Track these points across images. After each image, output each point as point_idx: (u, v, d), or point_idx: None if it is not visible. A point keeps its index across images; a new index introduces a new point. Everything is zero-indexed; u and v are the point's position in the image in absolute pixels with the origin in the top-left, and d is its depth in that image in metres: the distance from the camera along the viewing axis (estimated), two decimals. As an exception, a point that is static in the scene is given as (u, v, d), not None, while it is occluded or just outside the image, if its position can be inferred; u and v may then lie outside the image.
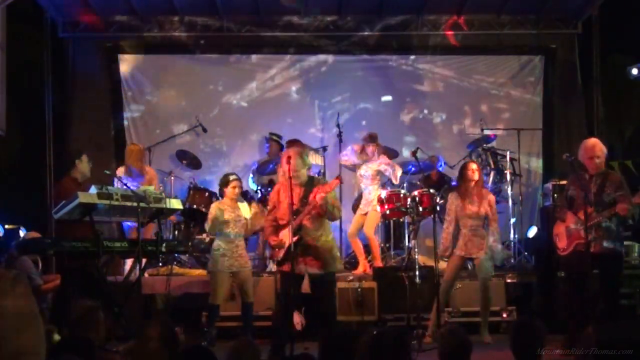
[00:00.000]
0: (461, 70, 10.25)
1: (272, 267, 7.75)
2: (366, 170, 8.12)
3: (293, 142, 8.21)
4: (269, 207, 6.18)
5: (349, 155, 8.46)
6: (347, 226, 8.51)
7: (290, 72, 10.32)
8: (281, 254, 5.87)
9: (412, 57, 10.37)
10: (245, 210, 6.97)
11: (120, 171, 7.97)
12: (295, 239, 5.65)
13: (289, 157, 5.73)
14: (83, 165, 6.75)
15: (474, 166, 6.90)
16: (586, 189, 5.83)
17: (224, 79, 10.17)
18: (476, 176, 6.81)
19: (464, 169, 6.92)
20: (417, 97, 10.32)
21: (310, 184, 5.87)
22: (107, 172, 7.60)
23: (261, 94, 10.19)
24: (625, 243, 8.69)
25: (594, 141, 6.16)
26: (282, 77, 10.27)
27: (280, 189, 6.01)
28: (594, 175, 5.95)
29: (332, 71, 10.29)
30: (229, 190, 6.82)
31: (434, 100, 10.31)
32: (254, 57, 10.33)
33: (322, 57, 10.29)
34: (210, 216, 6.80)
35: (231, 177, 6.89)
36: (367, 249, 8.38)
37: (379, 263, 8.03)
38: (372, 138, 8.21)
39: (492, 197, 7.02)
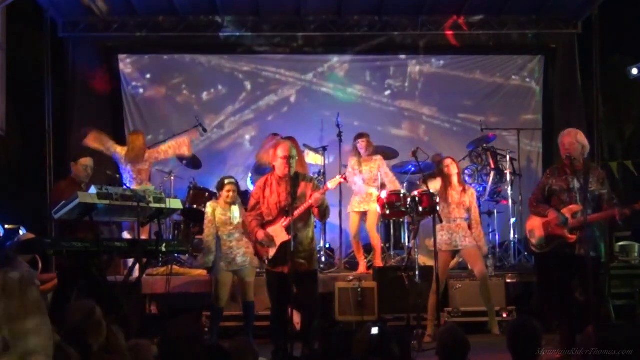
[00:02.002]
0: (445, 105, 10.14)
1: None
2: (370, 170, 8.14)
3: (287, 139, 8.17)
4: (250, 203, 5.93)
5: (351, 174, 8.15)
6: (346, 226, 8.50)
7: (246, 115, 10.05)
8: (271, 252, 5.71)
9: (388, 92, 10.09)
10: (236, 212, 6.82)
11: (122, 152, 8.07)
12: (288, 237, 5.57)
13: (286, 157, 5.67)
14: (77, 168, 6.67)
15: (448, 161, 7.07)
16: (567, 184, 5.60)
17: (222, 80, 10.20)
18: (454, 169, 7.00)
19: (440, 165, 7.13)
20: (395, 143, 9.71)
21: (296, 179, 5.77)
22: (109, 172, 7.61)
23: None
24: (625, 243, 8.74)
25: (568, 131, 5.84)
26: (233, 124, 10.04)
27: (264, 184, 5.83)
28: (578, 170, 5.62)
29: (296, 111, 9.95)
30: (223, 194, 6.75)
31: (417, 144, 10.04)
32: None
33: (287, 91, 10.02)
34: (206, 219, 6.83)
35: (226, 181, 6.79)
36: (365, 249, 8.39)
37: (379, 262, 8.03)
38: (362, 135, 8.24)
39: (473, 191, 7.22)
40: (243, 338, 4.18)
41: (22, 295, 1.43)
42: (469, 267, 7.50)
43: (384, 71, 10.34)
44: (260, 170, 8.96)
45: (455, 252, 7.17)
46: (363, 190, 8.16)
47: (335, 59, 10.23)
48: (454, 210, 6.96)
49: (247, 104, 10.15)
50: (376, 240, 8.17)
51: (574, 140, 5.69)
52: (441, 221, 6.84)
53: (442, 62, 10.28)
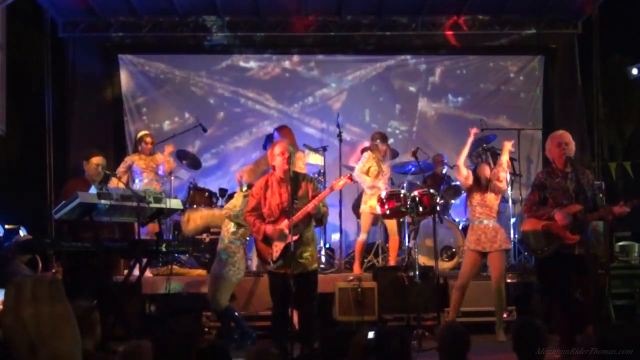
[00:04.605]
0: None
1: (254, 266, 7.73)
2: (387, 171, 8.04)
3: (283, 129, 8.08)
4: (251, 203, 5.83)
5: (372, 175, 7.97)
6: (347, 226, 8.48)
7: (207, 160, 9.63)
8: (274, 253, 5.67)
9: (390, 140, 9.13)
10: None
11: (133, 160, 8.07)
12: (295, 237, 5.55)
13: (288, 154, 5.62)
14: (88, 167, 6.62)
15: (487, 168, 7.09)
16: (580, 185, 5.51)
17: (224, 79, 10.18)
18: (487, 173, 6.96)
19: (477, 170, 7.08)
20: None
21: (296, 179, 5.75)
22: (107, 172, 7.59)
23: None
24: (625, 243, 8.74)
25: (562, 131, 5.83)
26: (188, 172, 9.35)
27: (264, 184, 5.76)
28: (569, 171, 5.60)
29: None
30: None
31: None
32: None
33: (265, 127, 9.61)
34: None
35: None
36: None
37: (393, 262, 8.02)
38: (384, 137, 8.13)
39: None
40: (264, 343, 4.12)
41: (51, 301, 1.42)
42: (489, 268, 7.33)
43: (389, 109, 10.08)
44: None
45: (484, 254, 6.89)
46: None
47: (333, 84, 10.04)
48: (483, 212, 6.84)
49: (212, 142, 9.79)
50: (397, 242, 8.11)
51: (570, 140, 5.71)
52: (441, 221, 6.83)
53: (460, 99, 10.09)
